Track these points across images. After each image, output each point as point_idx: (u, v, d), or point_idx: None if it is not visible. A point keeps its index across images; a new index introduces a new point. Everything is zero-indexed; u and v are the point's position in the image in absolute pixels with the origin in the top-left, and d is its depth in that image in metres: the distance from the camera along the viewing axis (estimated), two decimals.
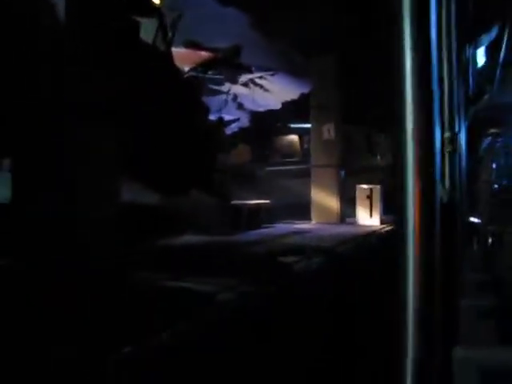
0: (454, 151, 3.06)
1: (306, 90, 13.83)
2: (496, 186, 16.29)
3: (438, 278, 1.87)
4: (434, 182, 1.85)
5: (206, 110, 8.39)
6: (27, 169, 4.69)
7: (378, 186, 12.06)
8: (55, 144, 4.46)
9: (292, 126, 15.13)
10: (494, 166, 17.19)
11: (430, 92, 1.79)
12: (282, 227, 10.94)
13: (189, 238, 8.65)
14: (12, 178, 4.92)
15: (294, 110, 14.30)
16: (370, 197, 11.78)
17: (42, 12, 4.98)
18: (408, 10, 1.72)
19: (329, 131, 12.19)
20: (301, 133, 14.83)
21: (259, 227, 10.42)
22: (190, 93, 7.87)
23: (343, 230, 10.58)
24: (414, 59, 1.74)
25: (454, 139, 3.02)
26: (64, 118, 4.44)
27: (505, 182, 16.79)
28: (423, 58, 1.75)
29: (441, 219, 1.90)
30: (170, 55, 7.32)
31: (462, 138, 4.89)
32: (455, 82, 3.65)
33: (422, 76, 1.76)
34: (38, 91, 4.52)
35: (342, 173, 12.39)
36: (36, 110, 4.52)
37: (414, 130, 1.78)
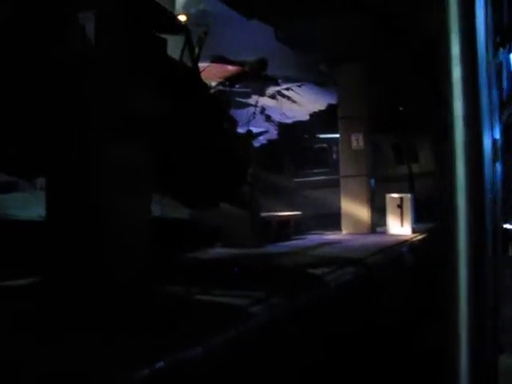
0: (497, 159, 3.03)
1: (333, 101, 13.85)
2: None
3: (490, 285, 1.86)
4: (484, 192, 1.83)
5: (235, 123, 8.45)
6: (61, 186, 4.78)
7: (409, 195, 12.00)
8: (89, 160, 4.55)
9: (320, 136, 15.13)
10: None
11: (478, 103, 1.78)
12: (312, 238, 10.93)
13: (219, 251, 8.71)
14: (47, 195, 5.03)
15: (321, 121, 14.31)
16: (400, 206, 11.71)
17: (74, 32, 5.09)
18: (456, 23, 1.72)
19: (357, 140, 12.18)
20: (329, 143, 14.82)
21: (289, 239, 10.42)
22: (218, 107, 7.94)
23: (374, 240, 10.52)
24: (462, 70, 1.73)
25: (496, 147, 2.99)
26: (99, 135, 4.53)
27: None
28: (471, 69, 1.74)
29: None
30: (197, 71, 7.40)
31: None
32: (494, 89, 3.64)
33: (470, 87, 1.75)
34: (72, 109, 4.62)
35: (372, 182, 12.35)
36: (70, 128, 4.62)
37: (464, 142, 1.77)
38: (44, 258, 4.93)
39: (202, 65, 8.03)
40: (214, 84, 8.68)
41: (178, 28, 7.16)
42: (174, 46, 7.12)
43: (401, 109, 16.22)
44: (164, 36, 6.29)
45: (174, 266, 6.57)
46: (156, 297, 4.87)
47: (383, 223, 12.06)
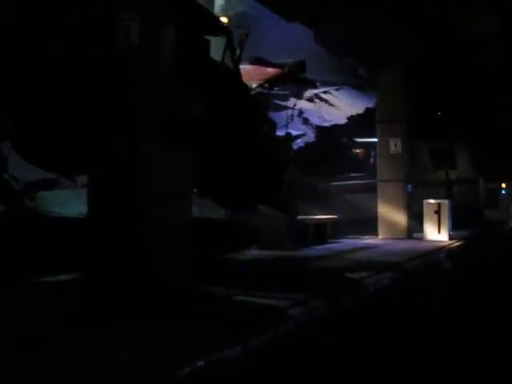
0: None
1: (371, 105, 13.78)
2: None
3: None
4: None
5: (274, 126, 8.45)
6: (104, 184, 4.83)
7: (447, 201, 11.87)
8: (135, 158, 4.59)
9: (358, 140, 15.07)
10: None
11: None
12: (348, 242, 10.89)
13: (256, 253, 8.72)
14: (88, 192, 5.08)
15: (359, 125, 14.25)
16: (437, 212, 11.59)
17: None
18: None
19: (395, 145, 12.09)
20: (367, 147, 14.75)
21: (326, 242, 10.40)
22: (258, 109, 7.96)
23: (411, 245, 10.43)
24: None
25: None
26: (146, 133, 4.58)
27: None
28: None
29: None
30: (238, 72, 7.44)
31: None
32: None
33: None
34: (117, 106, 4.67)
35: (409, 187, 12.25)
36: (115, 125, 4.67)
37: None
38: (85, 255, 4.99)
39: (241, 67, 8.06)
40: (254, 86, 8.70)
41: (220, 29, 7.19)
42: (216, 48, 7.17)
43: (439, 114, 16.07)
44: (206, 37, 6.32)
45: (213, 267, 6.60)
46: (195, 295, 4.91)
47: (420, 229, 11.95)
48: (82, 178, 7.67)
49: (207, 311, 4.44)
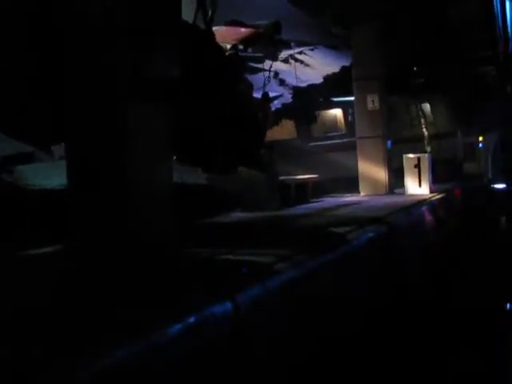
0: None
1: (347, 63, 13.72)
2: None
3: None
4: None
5: (251, 87, 8.40)
6: (83, 151, 4.78)
7: (427, 155, 11.94)
8: (112, 123, 4.54)
9: (335, 99, 15.03)
10: None
11: None
12: (330, 201, 10.94)
13: (239, 215, 8.74)
14: (68, 162, 5.03)
15: (336, 84, 14.19)
16: (417, 166, 11.66)
17: None
18: None
19: (373, 101, 12.08)
20: (344, 106, 14.73)
21: (308, 202, 10.44)
22: (234, 70, 7.88)
23: (392, 200, 10.50)
24: None
25: None
26: (121, 97, 4.52)
27: None
28: None
29: None
30: (211, 33, 7.35)
31: None
32: None
33: None
34: (90, 70, 4.60)
35: (389, 143, 12.28)
36: (89, 91, 4.60)
37: None
38: (68, 226, 4.96)
39: (215, 28, 7.97)
40: (228, 47, 8.61)
41: None
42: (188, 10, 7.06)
43: (415, 69, 16.05)
44: None
45: (197, 230, 6.61)
46: (184, 258, 4.92)
47: (401, 184, 12.02)
48: (60, 151, 7.61)
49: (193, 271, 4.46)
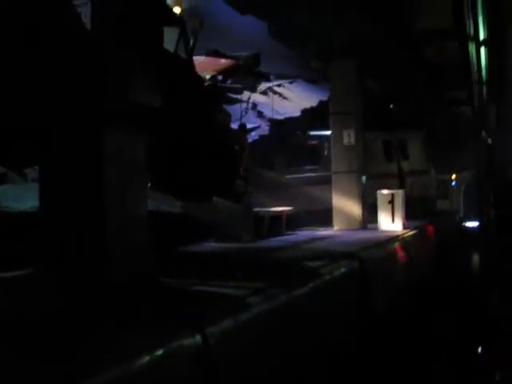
0: None
1: (324, 98, 13.87)
2: None
3: None
4: None
5: (228, 118, 8.43)
6: (57, 175, 4.73)
7: (400, 191, 12.02)
8: (88, 148, 4.51)
9: (312, 133, 15.14)
10: None
11: None
12: (304, 234, 10.93)
13: (212, 245, 8.68)
14: (40, 185, 4.97)
15: (313, 118, 14.32)
16: (391, 202, 11.73)
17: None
18: None
19: (349, 136, 12.18)
20: (320, 140, 14.82)
21: (282, 234, 10.42)
22: (212, 100, 7.91)
23: (365, 235, 10.53)
24: None
25: None
26: (98, 122, 4.49)
27: None
28: None
29: None
30: (191, 63, 7.38)
31: None
32: None
33: None
34: (68, 95, 4.57)
35: (363, 178, 12.36)
36: (67, 118, 4.57)
37: None
38: (39, 249, 4.89)
39: (195, 58, 8.00)
40: (207, 77, 8.65)
41: (174, 20, 7.13)
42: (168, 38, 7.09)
43: (391, 106, 16.28)
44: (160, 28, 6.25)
45: (170, 260, 6.54)
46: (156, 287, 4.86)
47: (374, 220, 12.07)
48: (32, 174, 7.52)
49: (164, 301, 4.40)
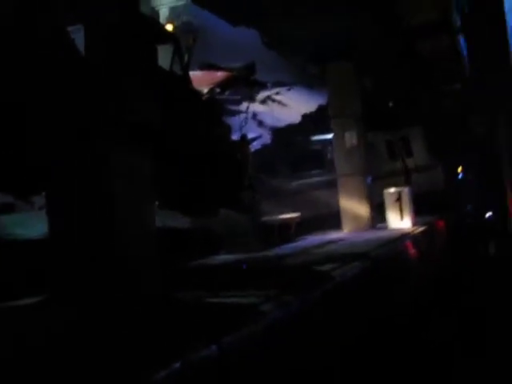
0: None
1: (323, 102, 13.88)
2: None
3: None
4: None
5: (229, 130, 8.46)
6: (65, 200, 4.76)
7: (407, 188, 12.02)
8: (96, 169, 4.54)
9: (313, 137, 15.16)
10: None
11: None
12: (314, 238, 10.93)
13: (224, 257, 8.70)
14: (48, 210, 4.99)
15: (314, 123, 14.34)
16: (398, 200, 11.73)
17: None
18: None
19: (351, 138, 12.20)
20: (323, 144, 14.85)
21: (292, 241, 10.43)
22: (211, 113, 7.94)
23: (375, 235, 10.52)
24: None
25: None
26: (104, 143, 4.52)
27: None
28: None
29: None
30: (188, 78, 7.42)
31: None
32: None
33: None
34: (72, 116, 4.60)
35: (368, 179, 12.36)
36: (71, 138, 4.60)
37: None
38: (50, 276, 4.91)
39: (191, 73, 8.04)
40: (205, 91, 8.70)
41: (167, 37, 7.18)
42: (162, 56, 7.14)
43: (391, 104, 16.27)
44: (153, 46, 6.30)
45: (183, 274, 6.56)
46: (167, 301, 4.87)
47: (383, 219, 12.07)
48: (40, 201, 7.56)
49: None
